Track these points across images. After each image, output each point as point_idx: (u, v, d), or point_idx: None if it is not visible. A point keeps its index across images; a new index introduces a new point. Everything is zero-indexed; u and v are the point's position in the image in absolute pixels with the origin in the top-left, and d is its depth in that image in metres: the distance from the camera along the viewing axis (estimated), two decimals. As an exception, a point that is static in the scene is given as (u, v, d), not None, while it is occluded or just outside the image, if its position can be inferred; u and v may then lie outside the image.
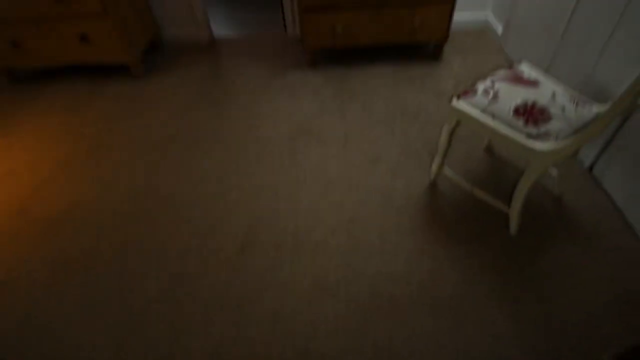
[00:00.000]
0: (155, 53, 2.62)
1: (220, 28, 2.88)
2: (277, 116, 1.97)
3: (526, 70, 1.30)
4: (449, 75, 2.16)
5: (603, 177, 1.46)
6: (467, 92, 1.25)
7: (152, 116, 2.04)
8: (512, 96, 1.18)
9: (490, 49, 2.34)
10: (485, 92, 1.22)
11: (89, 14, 2.02)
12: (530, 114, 1.13)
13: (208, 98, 2.14)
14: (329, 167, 1.65)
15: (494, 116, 1.17)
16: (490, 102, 1.18)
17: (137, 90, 2.24)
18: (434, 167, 1.49)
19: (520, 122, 1.12)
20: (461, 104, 1.23)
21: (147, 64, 2.46)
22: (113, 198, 1.59)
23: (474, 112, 1.20)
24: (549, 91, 1.19)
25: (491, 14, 2.46)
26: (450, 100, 1.27)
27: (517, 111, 1.14)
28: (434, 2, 1.96)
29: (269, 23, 2.87)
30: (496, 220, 1.39)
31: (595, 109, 1.14)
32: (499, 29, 2.32)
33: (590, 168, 1.53)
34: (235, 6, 3.23)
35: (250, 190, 1.57)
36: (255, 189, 1.58)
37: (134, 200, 1.58)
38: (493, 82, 1.24)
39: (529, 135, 1.09)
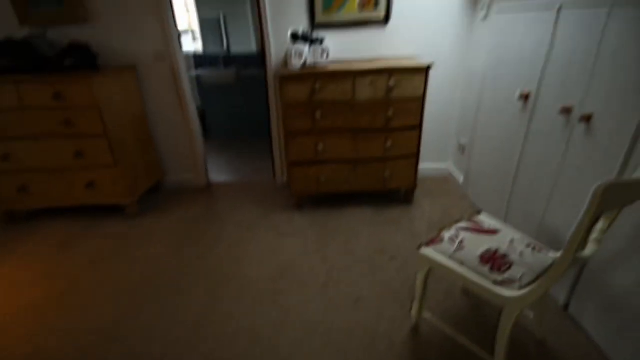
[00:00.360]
0: (155, 193, 2.84)
1: (217, 174, 3.22)
2: (262, 256, 2.03)
3: (485, 220, 1.47)
4: (422, 216, 2.37)
5: (580, 316, 1.47)
6: (434, 240, 1.37)
7: (140, 255, 2.08)
8: (477, 244, 1.30)
9: (456, 194, 2.63)
10: (451, 240, 1.34)
11: (100, 165, 2.29)
12: (494, 260, 1.22)
13: (198, 238, 2.24)
14: (310, 309, 1.63)
15: (462, 263, 1.26)
16: (457, 249, 1.29)
17: (130, 229, 2.35)
18: (414, 311, 1.49)
19: (486, 269, 1.20)
20: (430, 252, 1.33)
21: (144, 204, 2.64)
22: (79, 343, 1.48)
23: (443, 260, 1.29)
24: (507, 238, 1.32)
25: (452, 165, 2.86)
26: (418, 248, 1.38)
27: (482, 258, 1.24)
28: (401, 157, 2.31)
29: (260, 171, 3.24)
30: (486, 371, 1.32)
31: (552, 254, 1.26)
32: (461, 178, 2.66)
33: (566, 307, 1.55)
34: (232, 155, 3.69)
35: (227, 337, 1.50)
36: (232, 334, 1.51)
37: (100, 348, 1.47)
38: (457, 231, 1.38)
39: (495, 282, 1.16)
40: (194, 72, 4.10)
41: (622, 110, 1.22)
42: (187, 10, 4.30)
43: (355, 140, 2.25)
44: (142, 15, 2.39)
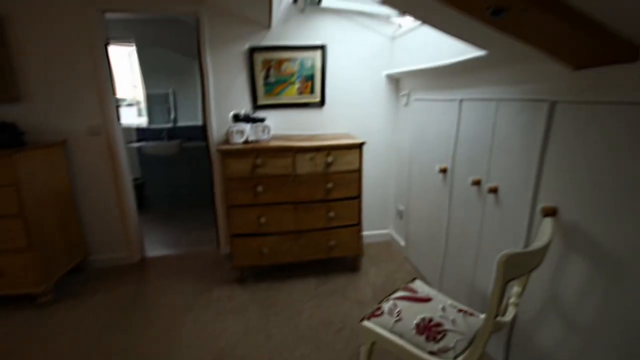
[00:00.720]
0: (78, 274, 2.54)
1: (155, 248, 3.01)
2: (200, 340, 1.85)
3: (420, 287, 1.53)
4: (367, 283, 2.38)
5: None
6: (375, 313, 1.38)
7: (50, 352, 1.77)
8: (412, 314, 1.33)
9: (398, 258, 2.72)
10: (390, 311, 1.36)
11: (10, 250, 2.03)
12: (429, 330, 1.25)
13: (124, 325, 1.99)
14: (251, 404, 1.47)
15: (401, 335, 1.27)
16: (395, 321, 1.31)
17: (40, 322, 2.03)
18: (361, 391, 1.42)
19: (422, 339, 1.22)
20: (371, 325, 1.33)
21: (62, 289, 2.33)
22: None
23: (384, 333, 1.29)
24: (439, 305, 1.38)
25: (393, 230, 3.01)
26: (361, 321, 1.38)
27: (418, 328, 1.26)
28: (344, 226, 2.38)
29: (203, 242, 3.10)
30: None
31: (482, 317, 1.32)
32: (402, 242, 2.79)
33: (507, 372, 1.59)
34: (173, 227, 3.52)
35: None
36: None
37: None
38: (395, 302, 1.42)
39: (431, 352, 1.18)
40: (135, 144, 4.02)
41: (518, 183, 1.43)
42: (134, 86, 4.36)
43: (297, 211, 2.31)
44: (78, 91, 2.38)
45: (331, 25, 2.55)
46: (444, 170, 1.98)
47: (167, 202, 4.15)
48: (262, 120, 2.35)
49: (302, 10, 2.47)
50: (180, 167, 4.12)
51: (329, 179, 2.29)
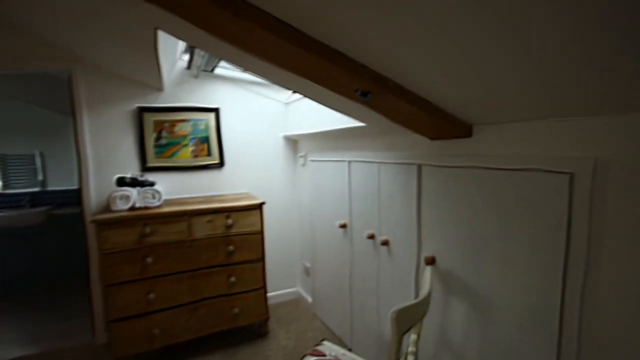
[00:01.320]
0: None
1: (7, 349, 2.32)
2: None
3: (328, 349, 1.50)
4: (278, 348, 2.25)
5: None
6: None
7: None
8: (320, 382, 1.28)
9: (307, 316, 2.67)
10: (298, 383, 1.29)
11: None
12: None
13: None
14: None
15: (310, 409, 1.20)
16: (304, 394, 1.24)
17: None
18: None
19: (333, 410, 1.18)
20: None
21: None
22: None
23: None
24: (348, 367, 1.37)
25: (301, 287, 2.97)
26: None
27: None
28: (248, 291, 2.26)
29: (74, 332, 2.53)
30: None
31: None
32: (309, 299, 2.76)
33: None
34: (33, 317, 2.80)
35: None
36: None
37: None
38: (302, 371, 1.36)
39: None
40: (-18, 215, 3.22)
41: (405, 236, 1.60)
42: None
43: (195, 279, 2.11)
44: None
45: (225, 91, 2.62)
46: (343, 226, 2.10)
47: (26, 285, 3.33)
48: (151, 184, 2.17)
49: (196, 76, 2.48)
50: (47, 239, 3.43)
51: (230, 241, 2.19)
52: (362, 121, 1.65)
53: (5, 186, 3.48)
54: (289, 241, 2.93)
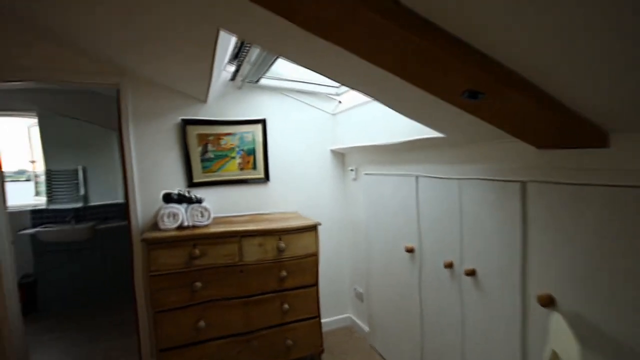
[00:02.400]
0: None
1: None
2: None
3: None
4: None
5: None
6: None
7: None
8: None
9: (364, 347, 2.40)
10: None
11: None
12: None
13: None
14: None
15: None
16: None
17: None
18: None
19: None
20: None
21: None
22: None
23: None
24: None
25: (353, 314, 2.72)
26: None
27: None
28: (302, 319, 2.04)
29: (119, 354, 2.41)
30: None
31: None
32: (365, 327, 2.50)
33: None
34: (75, 337, 2.71)
35: None
36: None
37: None
38: None
39: None
40: (28, 231, 3.24)
41: (500, 267, 1.32)
42: (33, 162, 3.69)
43: (248, 307, 1.92)
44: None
45: (271, 102, 2.47)
46: (410, 250, 1.85)
47: (70, 303, 3.30)
48: (199, 200, 2.03)
49: (240, 87, 2.35)
50: (91, 256, 3.40)
51: (282, 266, 1.99)
52: (442, 131, 1.42)
53: (49, 202, 3.51)
54: (338, 263, 2.70)
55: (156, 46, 1.59)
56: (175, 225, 1.90)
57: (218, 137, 2.32)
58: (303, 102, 2.54)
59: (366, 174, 2.32)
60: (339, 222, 2.69)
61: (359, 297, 2.56)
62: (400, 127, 1.83)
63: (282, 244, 1.97)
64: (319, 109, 2.59)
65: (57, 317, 3.13)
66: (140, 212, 2.17)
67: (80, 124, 3.48)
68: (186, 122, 2.24)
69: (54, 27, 1.79)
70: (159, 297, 1.75)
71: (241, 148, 2.38)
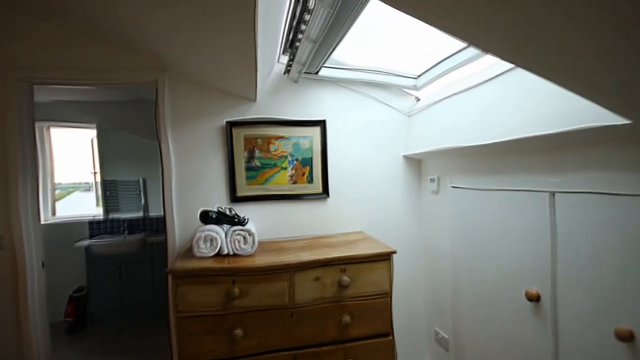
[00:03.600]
0: None
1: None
2: None
3: None
4: None
5: None
6: None
7: None
8: None
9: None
10: None
11: None
12: None
13: None
14: None
15: None
16: None
17: None
18: None
19: None
20: None
21: None
22: None
23: None
24: None
25: (429, 362, 2.13)
26: None
27: None
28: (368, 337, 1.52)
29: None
30: None
31: None
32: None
33: None
34: (125, 356, 2.48)
35: None
36: None
37: None
38: None
39: None
40: (84, 243, 3.17)
41: None
42: (94, 173, 3.68)
43: (299, 364, 1.46)
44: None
45: (332, 98, 2.02)
46: (535, 298, 1.24)
47: (120, 319, 3.15)
48: (243, 222, 1.63)
49: (296, 81, 1.94)
50: (140, 269, 3.23)
51: (345, 308, 1.50)
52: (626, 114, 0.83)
53: (106, 212, 3.45)
54: (411, 296, 2.14)
55: (197, 26, 1.23)
56: (213, 252, 1.52)
57: (268, 140, 1.93)
58: (372, 97, 2.06)
59: (454, 186, 1.75)
60: (412, 245, 2.13)
61: (442, 343, 1.96)
62: (506, 124, 1.27)
63: (346, 278, 1.48)
64: (391, 107, 2.09)
65: (105, 335, 2.97)
66: (178, 230, 1.84)
67: (139, 136, 3.39)
68: (231, 125, 1.89)
69: (91, 18, 1.54)
70: (187, 345, 1.37)
71: (295, 157, 1.96)
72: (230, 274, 1.40)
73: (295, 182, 1.97)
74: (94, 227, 3.41)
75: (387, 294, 1.55)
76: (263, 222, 1.91)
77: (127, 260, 3.22)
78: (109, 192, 3.47)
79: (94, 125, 3.40)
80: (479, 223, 1.56)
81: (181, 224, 1.85)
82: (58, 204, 3.62)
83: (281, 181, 1.95)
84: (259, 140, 1.93)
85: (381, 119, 2.08)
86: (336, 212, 2.03)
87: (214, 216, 1.63)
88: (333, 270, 1.49)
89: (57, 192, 3.67)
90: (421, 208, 2.14)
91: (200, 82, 1.86)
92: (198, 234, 1.52)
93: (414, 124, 2.07)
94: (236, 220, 1.63)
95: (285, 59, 1.82)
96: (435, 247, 2.00)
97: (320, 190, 1.99)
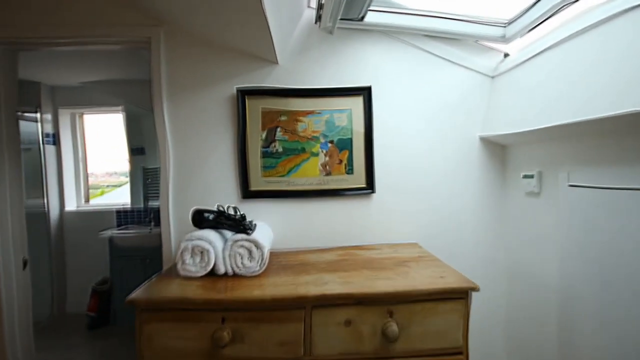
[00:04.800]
0: None
1: None
2: None
3: None
4: None
5: None
6: None
7: None
8: None
9: None
10: None
11: None
12: None
13: None
14: None
15: None
16: None
17: None
18: None
19: None
20: None
21: None
22: None
23: None
24: None
25: None
26: None
27: None
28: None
29: None
30: None
31: None
32: None
33: None
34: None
35: None
36: None
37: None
38: None
39: None
40: (109, 232, 2.96)
41: None
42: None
43: None
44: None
45: (381, 57, 1.46)
46: None
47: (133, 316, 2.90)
48: (248, 228, 1.15)
49: (331, 32, 1.41)
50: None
51: (392, 371, 0.97)
52: None
53: (133, 202, 3.23)
54: (486, 336, 1.53)
55: None
56: (203, 271, 1.07)
57: (295, 116, 1.43)
58: (438, 55, 1.46)
59: (572, 185, 1.11)
60: (490, 268, 1.52)
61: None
62: None
63: (394, 327, 0.94)
64: (465, 67, 1.48)
65: (126, 333, 2.74)
66: (174, 231, 1.43)
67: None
68: (245, 94, 1.42)
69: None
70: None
71: (328, 138, 1.45)
72: (219, 308, 0.93)
73: (329, 173, 1.45)
74: (121, 216, 3.22)
75: (460, 352, 0.98)
76: (283, 226, 1.44)
77: (152, 254, 2.96)
78: (140, 179, 3.25)
79: (121, 109, 3.17)
80: (617, 240, 0.93)
81: (177, 221, 1.43)
82: (98, 199, 3.52)
83: (310, 172, 1.45)
84: (283, 117, 1.44)
85: (450, 84, 1.48)
86: (383, 214, 1.48)
87: (210, 218, 1.17)
88: (374, 311, 0.96)
89: (97, 189, 3.59)
90: (506, 216, 1.50)
91: (204, 39, 1.40)
92: (184, 244, 1.08)
93: (498, 91, 1.44)
94: (242, 226, 1.16)
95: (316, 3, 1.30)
96: (529, 273, 1.37)
97: (363, 183, 1.46)
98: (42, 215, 3.06)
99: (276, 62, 1.43)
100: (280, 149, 1.44)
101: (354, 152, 1.45)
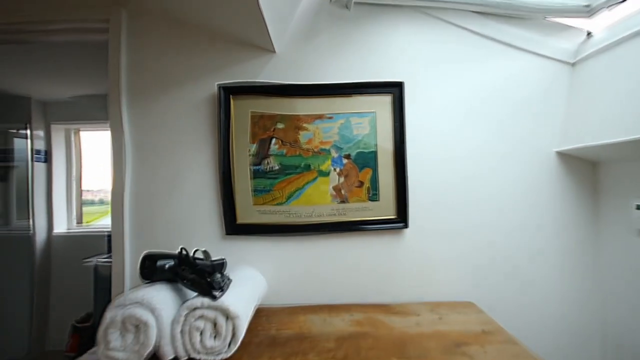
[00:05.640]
0: None
1: None
2: None
3: None
4: None
5: None
6: None
7: None
8: None
9: None
10: None
11: None
12: None
13: None
14: None
15: None
16: None
17: None
18: None
19: None
20: None
21: None
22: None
23: None
24: None
25: None
26: None
27: None
28: None
29: None
30: None
31: None
32: None
33: None
34: None
35: None
36: None
37: None
38: None
39: None
40: (94, 261, 2.62)
41: None
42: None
43: None
44: None
45: (414, 42, 1.07)
46: None
47: None
48: (216, 289, 0.74)
49: (347, 6, 1.04)
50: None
51: None
52: None
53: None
54: None
55: None
56: (138, 358, 0.67)
57: (296, 122, 1.05)
58: (493, 39, 1.07)
59: None
60: (578, 336, 1.05)
61: None
62: None
63: None
64: (531, 52, 1.07)
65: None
66: (130, 275, 1.05)
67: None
68: (229, 92, 1.05)
69: None
70: None
71: (344, 152, 1.05)
72: None
73: (344, 200, 1.05)
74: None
75: None
76: (280, 272, 1.03)
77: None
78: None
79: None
80: None
81: (133, 262, 1.05)
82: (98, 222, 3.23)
83: (318, 198, 1.05)
84: (280, 125, 1.05)
85: (512, 78, 1.07)
86: (420, 257, 1.05)
87: (167, 267, 0.78)
88: None
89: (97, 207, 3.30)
90: (603, 264, 1.05)
91: (177, 22, 1.06)
92: (112, 313, 0.68)
93: (582, 83, 1.02)
94: (211, 280, 0.76)
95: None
96: (637, 344, 0.90)
97: (392, 214, 1.05)
98: (26, 239, 2.78)
99: (272, 51, 1.06)
100: (277, 167, 1.05)
101: (380, 172, 1.05)
